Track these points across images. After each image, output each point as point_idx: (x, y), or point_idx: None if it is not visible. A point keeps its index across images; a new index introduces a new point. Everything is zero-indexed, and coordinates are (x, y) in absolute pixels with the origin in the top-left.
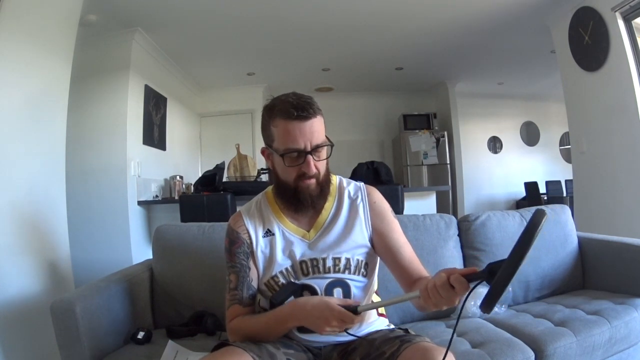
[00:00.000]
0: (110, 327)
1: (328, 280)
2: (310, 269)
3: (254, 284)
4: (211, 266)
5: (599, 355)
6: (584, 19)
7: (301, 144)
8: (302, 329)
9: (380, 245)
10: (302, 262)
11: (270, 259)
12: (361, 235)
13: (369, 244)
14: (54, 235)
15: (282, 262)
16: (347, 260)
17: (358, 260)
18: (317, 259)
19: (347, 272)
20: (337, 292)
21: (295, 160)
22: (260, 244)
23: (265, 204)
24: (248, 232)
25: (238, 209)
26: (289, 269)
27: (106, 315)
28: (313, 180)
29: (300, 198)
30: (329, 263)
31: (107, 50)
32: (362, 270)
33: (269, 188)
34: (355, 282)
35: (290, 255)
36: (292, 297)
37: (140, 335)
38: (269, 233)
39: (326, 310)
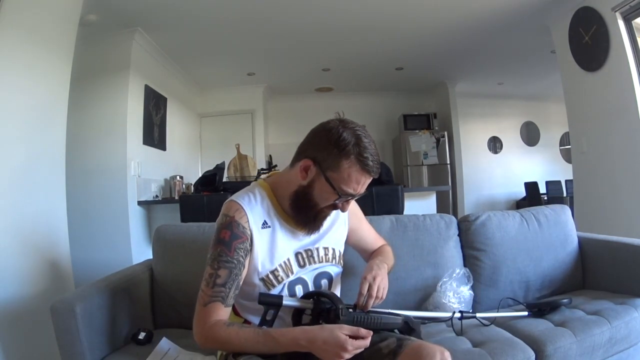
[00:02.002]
0: (110, 327)
1: (316, 272)
2: (306, 260)
3: (240, 285)
4: None
5: (599, 356)
6: (584, 19)
7: (357, 192)
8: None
9: (354, 238)
10: (298, 253)
11: (270, 252)
12: (342, 229)
13: (345, 238)
14: (54, 235)
15: (282, 254)
16: (333, 250)
17: (340, 251)
18: (311, 249)
19: (333, 261)
20: (324, 282)
21: (340, 197)
22: (259, 237)
23: (264, 197)
24: (250, 226)
25: (233, 198)
26: (287, 262)
27: (106, 315)
28: (337, 210)
29: (317, 219)
30: (321, 253)
31: (107, 50)
32: (341, 260)
33: (263, 182)
34: (336, 272)
35: (289, 246)
36: (281, 300)
37: (142, 335)
38: (265, 225)
39: (337, 347)
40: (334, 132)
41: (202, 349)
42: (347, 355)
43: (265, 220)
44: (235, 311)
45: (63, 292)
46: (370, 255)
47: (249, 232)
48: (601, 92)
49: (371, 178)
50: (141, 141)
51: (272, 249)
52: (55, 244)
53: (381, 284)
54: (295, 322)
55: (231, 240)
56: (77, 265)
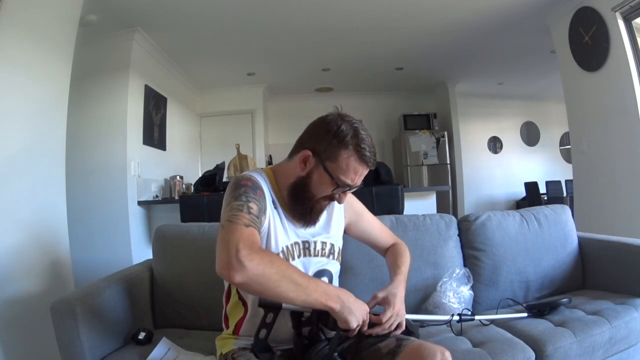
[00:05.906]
0: (110, 327)
1: (316, 270)
2: (301, 251)
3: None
4: (211, 266)
5: (599, 356)
6: (584, 19)
7: (354, 182)
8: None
9: (355, 231)
10: (295, 243)
11: (275, 232)
12: (340, 224)
13: (342, 233)
14: (54, 235)
15: (283, 239)
16: (332, 245)
17: (339, 247)
18: (309, 241)
19: (331, 256)
20: (324, 281)
21: (337, 187)
22: (270, 212)
23: (268, 185)
24: (265, 195)
25: (244, 173)
26: (289, 247)
27: (106, 315)
28: (332, 203)
29: (313, 211)
30: (318, 246)
31: (107, 50)
32: (339, 256)
33: (269, 171)
34: (335, 269)
35: (288, 234)
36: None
37: (141, 335)
38: (274, 204)
39: (362, 308)
40: (333, 124)
41: (202, 351)
42: (361, 321)
43: (273, 200)
44: (240, 296)
45: (63, 292)
46: (384, 252)
47: (264, 197)
48: (601, 92)
49: (368, 169)
50: (141, 141)
51: (277, 230)
52: (55, 244)
53: (402, 322)
54: (294, 322)
55: (254, 187)
56: (77, 265)
